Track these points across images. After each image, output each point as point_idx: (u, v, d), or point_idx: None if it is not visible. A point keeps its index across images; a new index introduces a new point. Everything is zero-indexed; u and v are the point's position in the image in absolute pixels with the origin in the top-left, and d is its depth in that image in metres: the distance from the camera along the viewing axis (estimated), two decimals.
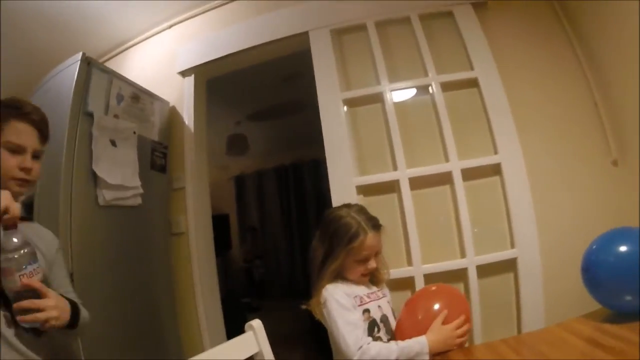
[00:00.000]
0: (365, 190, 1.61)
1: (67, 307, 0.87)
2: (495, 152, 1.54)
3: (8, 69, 2.05)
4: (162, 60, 2.12)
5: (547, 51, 1.64)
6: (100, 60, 2.12)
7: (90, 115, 1.49)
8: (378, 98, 1.66)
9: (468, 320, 1.06)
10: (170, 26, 2.14)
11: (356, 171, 1.62)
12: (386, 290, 1.25)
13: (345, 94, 1.68)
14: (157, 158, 1.89)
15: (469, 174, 1.53)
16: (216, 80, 2.17)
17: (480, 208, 1.53)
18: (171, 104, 2.04)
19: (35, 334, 0.82)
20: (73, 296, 0.97)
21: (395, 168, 1.57)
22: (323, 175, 1.76)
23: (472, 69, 1.62)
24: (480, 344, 1.26)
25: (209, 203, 2.06)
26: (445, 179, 1.56)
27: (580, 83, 1.59)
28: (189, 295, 1.85)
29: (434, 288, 1.23)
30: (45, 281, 0.85)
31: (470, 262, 1.47)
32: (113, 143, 1.59)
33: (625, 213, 1.37)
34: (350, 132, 1.66)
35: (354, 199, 1.55)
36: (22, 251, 0.78)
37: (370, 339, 1.03)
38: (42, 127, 0.94)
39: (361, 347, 0.98)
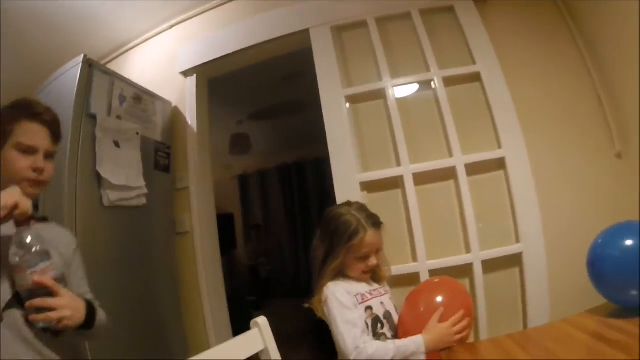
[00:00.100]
0: (369, 186, 1.60)
1: (81, 307, 0.86)
2: (499, 147, 1.53)
3: (8, 72, 2.05)
4: (162, 61, 2.12)
5: (549, 47, 1.62)
6: (101, 63, 2.12)
7: (93, 117, 1.50)
8: (380, 94, 1.65)
9: (469, 314, 1.05)
10: (170, 27, 2.14)
11: (360, 168, 1.62)
12: (387, 288, 1.25)
13: (347, 91, 1.67)
14: (161, 158, 1.89)
15: (473, 169, 1.53)
16: (217, 80, 2.17)
17: (485, 203, 1.52)
18: (173, 104, 2.05)
19: (52, 333, 0.81)
20: (90, 297, 0.96)
21: (398, 164, 1.57)
22: (326, 174, 1.76)
23: (474, 63, 1.61)
24: (486, 340, 1.26)
25: (213, 202, 2.06)
26: (449, 174, 1.55)
27: (583, 79, 1.57)
28: (195, 294, 1.86)
29: (436, 280, 1.24)
30: (63, 281, 0.84)
31: (476, 257, 1.47)
32: (116, 144, 1.59)
33: (630, 207, 1.36)
34: (353, 128, 1.65)
35: (358, 195, 1.54)
36: (33, 248, 0.77)
37: (368, 338, 1.03)
38: (54, 128, 0.94)
39: (358, 346, 0.98)
